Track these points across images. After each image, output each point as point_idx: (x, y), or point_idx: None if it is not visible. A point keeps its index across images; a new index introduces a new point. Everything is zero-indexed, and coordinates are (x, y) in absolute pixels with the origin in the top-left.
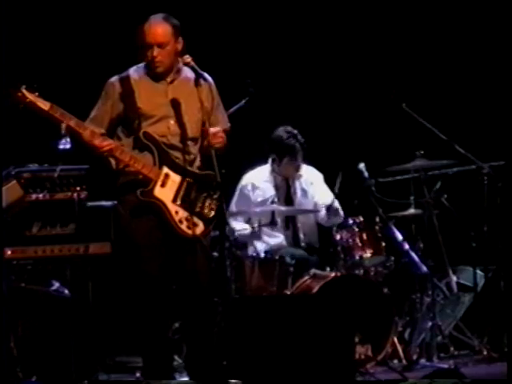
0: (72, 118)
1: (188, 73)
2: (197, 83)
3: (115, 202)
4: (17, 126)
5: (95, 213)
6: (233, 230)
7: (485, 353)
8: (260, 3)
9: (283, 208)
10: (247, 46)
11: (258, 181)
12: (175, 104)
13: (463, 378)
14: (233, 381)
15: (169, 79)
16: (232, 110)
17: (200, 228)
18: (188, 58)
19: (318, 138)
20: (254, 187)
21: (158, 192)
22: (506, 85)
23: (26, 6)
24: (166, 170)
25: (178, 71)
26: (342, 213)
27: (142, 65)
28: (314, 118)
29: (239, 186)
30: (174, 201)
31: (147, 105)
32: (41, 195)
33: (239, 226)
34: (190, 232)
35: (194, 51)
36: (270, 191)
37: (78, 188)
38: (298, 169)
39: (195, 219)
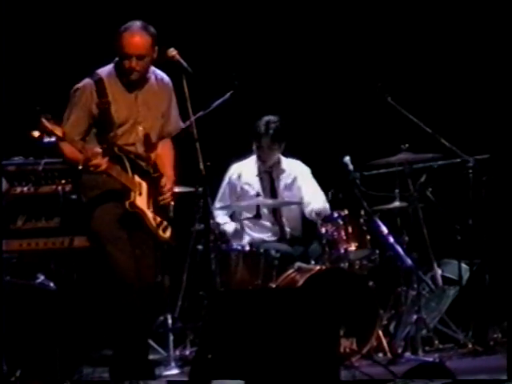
0: (79, 142)
1: (152, 77)
2: (181, 77)
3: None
4: (1, 120)
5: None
6: (218, 224)
7: (469, 346)
8: None
9: (269, 201)
10: (232, 39)
11: (245, 172)
12: (145, 113)
13: (448, 372)
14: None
15: (140, 86)
16: (216, 103)
17: (169, 231)
18: (173, 52)
19: (303, 131)
20: (241, 178)
21: (139, 201)
22: (491, 78)
23: None
24: (137, 178)
25: (148, 79)
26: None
27: (111, 67)
28: (299, 111)
29: (226, 178)
30: (148, 207)
31: (120, 112)
32: (25, 188)
33: (223, 219)
34: (165, 236)
35: (179, 44)
36: (256, 184)
37: (63, 181)
38: (265, 155)
39: (165, 223)
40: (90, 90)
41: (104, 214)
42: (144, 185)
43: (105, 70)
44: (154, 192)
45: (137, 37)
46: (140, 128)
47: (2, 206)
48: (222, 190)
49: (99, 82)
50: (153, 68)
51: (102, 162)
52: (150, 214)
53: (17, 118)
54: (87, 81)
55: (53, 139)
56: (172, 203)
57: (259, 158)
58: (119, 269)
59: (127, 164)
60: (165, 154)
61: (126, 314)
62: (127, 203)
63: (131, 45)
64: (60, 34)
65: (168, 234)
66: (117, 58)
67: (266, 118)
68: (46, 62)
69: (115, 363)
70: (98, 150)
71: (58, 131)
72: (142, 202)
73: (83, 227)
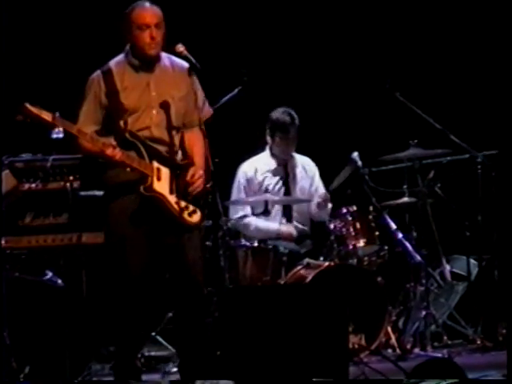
0: (73, 126)
1: (166, 61)
2: (190, 73)
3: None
4: (9, 116)
5: (88, 202)
6: (226, 220)
7: (478, 342)
8: None
9: (276, 198)
10: (240, 34)
11: (260, 167)
12: (166, 107)
13: (457, 368)
14: (224, 381)
15: (151, 69)
16: (225, 99)
17: (198, 215)
18: (181, 47)
19: (312, 127)
20: (257, 173)
21: (157, 186)
22: (499, 74)
23: None
24: (156, 164)
25: (159, 60)
26: (329, 210)
27: (122, 56)
28: (308, 107)
29: (241, 174)
30: (171, 192)
31: (131, 99)
32: (34, 185)
33: (254, 219)
34: (192, 220)
35: (187, 40)
36: (273, 178)
37: (71, 177)
38: (289, 147)
39: (191, 207)
40: (98, 80)
41: (122, 210)
42: (164, 170)
43: (114, 60)
44: (179, 178)
45: (150, 8)
46: (154, 112)
47: (1, 205)
48: (238, 187)
49: (107, 72)
50: (168, 55)
51: (115, 153)
52: (171, 199)
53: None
54: (96, 72)
55: (60, 135)
56: (207, 187)
57: (280, 151)
58: (129, 268)
59: (143, 149)
60: (193, 143)
61: (123, 311)
62: (142, 187)
63: (148, 15)
64: (70, 33)
65: (196, 218)
66: (127, 47)
67: (285, 110)
68: (51, 60)
69: (117, 362)
70: (111, 141)
71: (46, 116)
72: (161, 186)
73: (101, 221)
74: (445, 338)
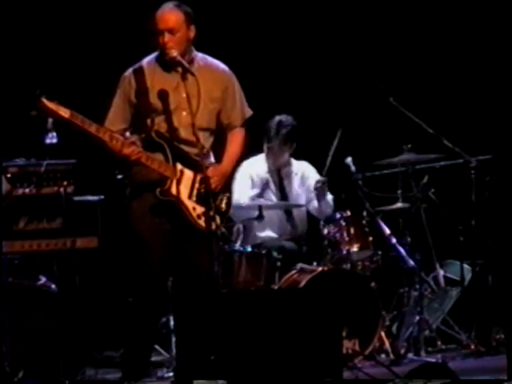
0: (92, 123)
1: (200, 61)
2: (183, 77)
3: (102, 196)
4: (3, 121)
5: (82, 207)
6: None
7: (472, 347)
8: None
9: (270, 202)
10: (236, 39)
11: (258, 169)
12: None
13: (451, 373)
14: (219, 381)
15: (180, 69)
16: None
17: (216, 222)
18: (174, 52)
19: (305, 132)
20: (255, 174)
21: (175, 190)
22: (493, 79)
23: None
24: (179, 166)
25: (191, 61)
26: (331, 201)
27: (154, 55)
28: (302, 112)
29: (244, 174)
30: (190, 197)
31: (160, 100)
32: (27, 190)
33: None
34: (208, 227)
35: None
36: (265, 183)
37: (65, 182)
38: (276, 157)
39: (211, 214)
40: (129, 78)
41: (143, 208)
42: (187, 173)
43: (147, 58)
44: (203, 182)
45: (167, 12)
46: (183, 113)
47: (1, 206)
48: (245, 188)
49: (138, 70)
50: (204, 56)
51: (132, 153)
52: (188, 204)
53: (19, 119)
54: (128, 70)
55: (54, 140)
56: (226, 194)
57: (269, 158)
58: (147, 266)
59: (168, 151)
60: (227, 146)
61: (137, 309)
62: (158, 190)
63: (162, 20)
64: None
65: (213, 225)
66: None
67: (278, 119)
68: (50, 61)
69: (126, 362)
70: (130, 139)
71: (63, 112)
72: (179, 190)
73: (95, 226)
74: (438, 342)
